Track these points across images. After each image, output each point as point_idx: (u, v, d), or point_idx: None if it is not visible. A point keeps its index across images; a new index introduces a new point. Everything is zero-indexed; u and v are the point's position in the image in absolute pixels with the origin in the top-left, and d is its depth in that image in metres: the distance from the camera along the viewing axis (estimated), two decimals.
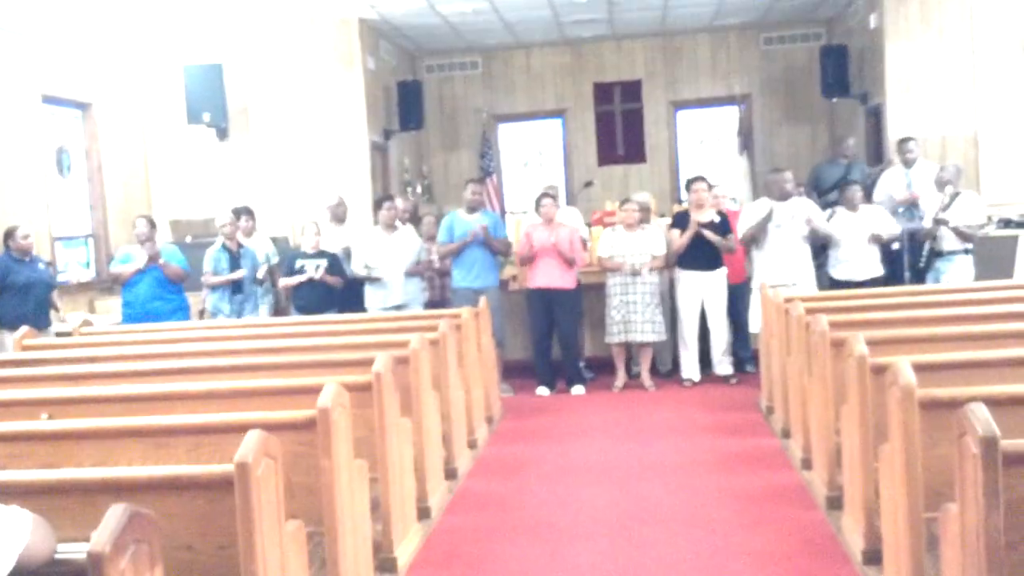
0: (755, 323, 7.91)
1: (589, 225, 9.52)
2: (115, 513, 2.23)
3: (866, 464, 4.21)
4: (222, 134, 10.92)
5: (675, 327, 8.61)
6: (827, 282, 8.11)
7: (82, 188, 10.18)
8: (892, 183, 9.21)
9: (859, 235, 7.92)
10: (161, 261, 8.10)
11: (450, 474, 5.88)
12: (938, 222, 7.85)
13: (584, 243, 8.80)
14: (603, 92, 13.86)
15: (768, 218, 7.94)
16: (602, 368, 8.77)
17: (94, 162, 10.26)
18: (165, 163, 11.13)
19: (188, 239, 9.98)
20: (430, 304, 8.54)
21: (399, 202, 9.26)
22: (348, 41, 11.07)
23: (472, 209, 8.48)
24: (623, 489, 5.66)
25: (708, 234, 8.19)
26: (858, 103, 11.86)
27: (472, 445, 6.61)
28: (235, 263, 8.37)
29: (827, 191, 9.97)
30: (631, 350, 8.52)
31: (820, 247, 8.23)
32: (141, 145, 11.05)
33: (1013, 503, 2.75)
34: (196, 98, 10.54)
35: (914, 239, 8.13)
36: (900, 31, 10.52)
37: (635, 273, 8.17)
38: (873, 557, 4.13)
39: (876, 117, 11.30)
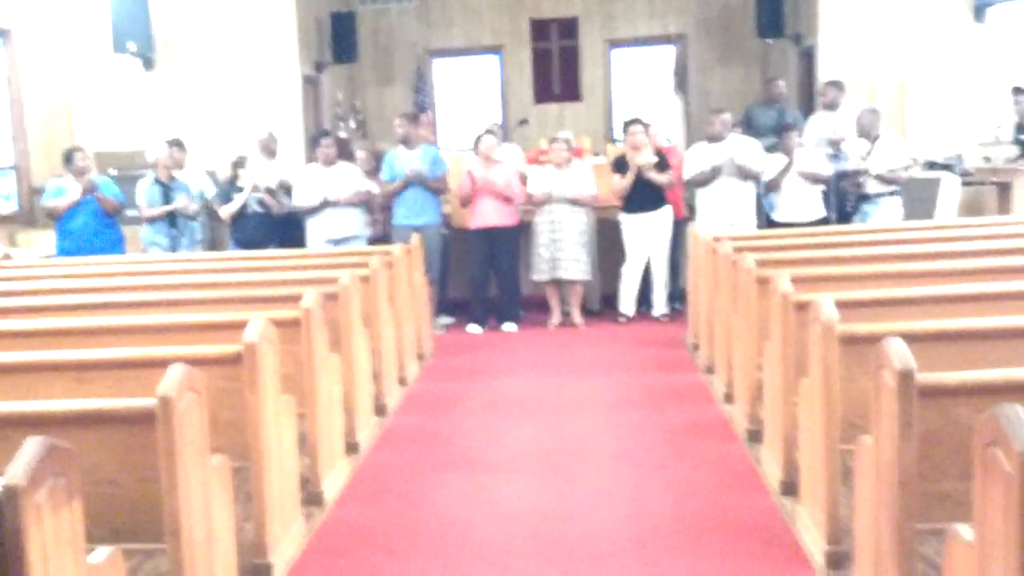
0: None
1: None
2: (32, 446, 2.19)
3: (786, 398, 4.31)
4: (148, 64, 10.60)
5: (610, 267, 8.66)
6: (766, 224, 8.22)
7: (3, 118, 9.85)
8: (820, 125, 9.29)
9: (797, 178, 8.02)
10: (98, 193, 7.91)
11: (379, 410, 5.89)
12: (858, 172, 8.00)
13: (524, 179, 8.77)
14: (540, 29, 13.75)
15: (717, 168, 8.11)
16: (534, 307, 8.81)
17: (15, 91, 9.92)
18: (89, 93, 10.79)
19: (112, 171, 9.74)
20: (374, 240, 8.51)
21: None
22: None
23: (411, 144, 8.44)
24: (551, 424, 5.73)
25: (652, 175, 8.21)
26: (791, 44, 11.92)
27: (402, 381, 6.63)
28: (168, 196, 8.22)
29: (763, 135, 10.02)
30: (563, 289, 8.56)
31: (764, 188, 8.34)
32: (64, 74, 10.70)
33: (926, 435, 2.84)
34: (122, 27, 10.22)
35: (840, 181, 8.26)
36: None
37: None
38: (790, 488, 4.25)
39: (808, 59, 11.37)
